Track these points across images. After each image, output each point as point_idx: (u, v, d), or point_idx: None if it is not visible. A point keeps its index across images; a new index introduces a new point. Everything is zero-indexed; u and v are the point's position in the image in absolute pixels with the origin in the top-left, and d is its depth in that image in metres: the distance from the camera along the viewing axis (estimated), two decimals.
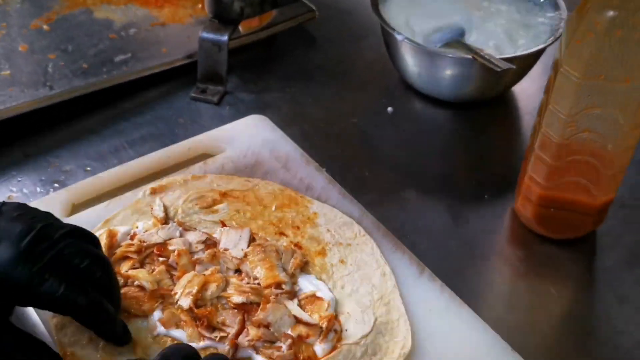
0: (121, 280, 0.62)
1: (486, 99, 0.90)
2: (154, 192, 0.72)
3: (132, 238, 0.66)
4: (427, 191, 0.81)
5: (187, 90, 0.90)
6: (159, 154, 0.78)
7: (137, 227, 0.67)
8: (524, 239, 0.76)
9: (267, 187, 0.72)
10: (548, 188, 0.71)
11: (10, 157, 0.81)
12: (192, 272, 0.63)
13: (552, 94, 0.67)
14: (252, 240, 0.67)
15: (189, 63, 0.91)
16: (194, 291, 0.61)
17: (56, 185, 0.77)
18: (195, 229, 0.68)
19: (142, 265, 0.64)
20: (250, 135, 0.81)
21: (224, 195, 0.71)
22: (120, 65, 0.90)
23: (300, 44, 1.00)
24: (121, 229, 0.66)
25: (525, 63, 0.85)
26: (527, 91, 0.92)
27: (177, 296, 0.61)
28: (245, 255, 0.64)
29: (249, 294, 0.61)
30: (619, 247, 0.75)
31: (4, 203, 0.55)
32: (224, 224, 0.68)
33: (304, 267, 0.65)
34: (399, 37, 0.84)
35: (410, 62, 0.86)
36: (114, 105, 0.88)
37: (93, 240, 0.58)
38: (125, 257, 0.64)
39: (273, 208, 0.70)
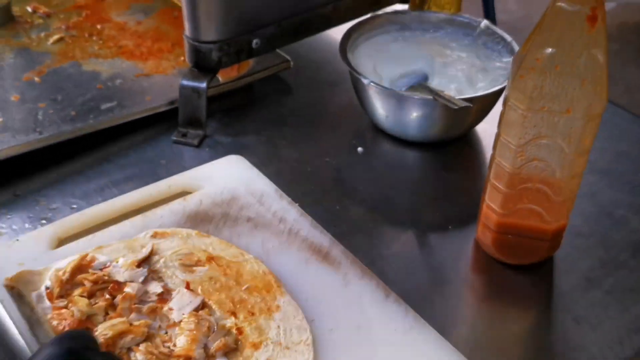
0: (65, 302, 0.65)
1: (451, 138, 0.96)
2: (155, 235, 0.75)
3: (102, 269, 0.70)
4: (394, 223, 0.86)
5: (169, 134, 0.96)
6: (141, 191, 0.83)
7: (117, 262, 0.71)
8: (486, 266, 0.80)
9: (254, 266, 0.73)
10: (504, 215, 0.76)
11: (0, 197, 0.85)
12: (120, 319, 0.65)
13: (502, 126, 0.73)
14: (201, 309, 0.68)
15: (171, 109, 0.97)
16: (108, 335, 0.63)
17: (43, 221, 0.82)
18: (162, 280, 0.71)
19: (90, 295, 0.67)
20: (227, 173, 0.86)
21: (211, 259, 0.73)
22: (107, 112, 0.96)
23: (276, 91, 1.05)
24: (101, 258, 0.71)
25: (484, 103, 0.91)
26: (489, 131, 0.97)
27: (95, 334, 0.63)
28: (180, 321, 0.66)
29: (154, 357, 0.63)
30: (575, 272, 0.80)
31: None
32: (187, 286, 0.70)
33: (231, 353, 0.65)
34: (365, 81, 0.90)
35: (378, 105, 0.92)
36: (99, 148, 0.93)
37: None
38: (82, 283, 0.68)
39: (243, 287, 0.71)
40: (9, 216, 0.83)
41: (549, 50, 0.67)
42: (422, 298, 0.75)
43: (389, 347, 0.67)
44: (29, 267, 0.70)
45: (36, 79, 1.02)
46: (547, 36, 0.67)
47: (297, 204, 0.82)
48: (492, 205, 0.77)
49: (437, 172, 0.94)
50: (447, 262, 0.81)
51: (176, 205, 0.81)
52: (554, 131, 0.70)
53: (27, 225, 0.81)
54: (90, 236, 0.76)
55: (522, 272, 0.79)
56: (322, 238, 0.77)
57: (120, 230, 0.77)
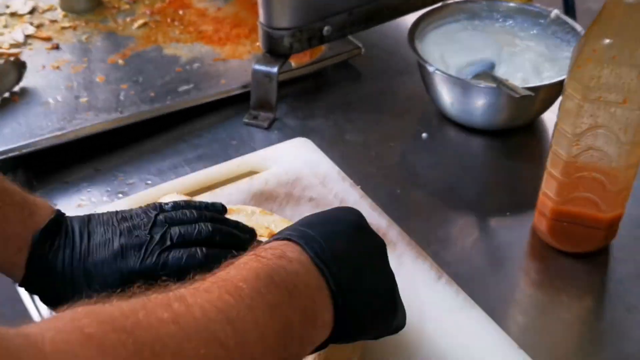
0: None
1: (516, 126, 0.97)
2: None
3: None
4: (453, 208, 0.88)
5: (241, 117, 1.00)
6: (212, 170, 0.87)
7: None
8: (541, 253, 0.82)
9: None
10: (559, 202, 0.77)
11: (83, 171, 0.92)
12: None
13: (560, 114, 0.74)
14: None
15: (244, 92, 1.01)
16: None
17: (120, 195, 0.88)
18: None
19: None
20: (293, 155, 0.89)
21: (272, 236, 0.77)
22: (183, 94, 1.01)
23: (346, 77, 1.08)
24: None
25: (549, 93, 0.92)
26: (554, 120, 0.98)
27: None
28: None
29: None
30: (630, 262, 0.80)
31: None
32: None
33: None
34: (430, 69, 0.92)
35: (443, 92, 0.94)
36: (175, 128, 0.98)
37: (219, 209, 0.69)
38: None
39: None
40: (89, 189, 0.89)
41: (607, 41, 0.68)
42: (476, 281, 0.78)
43: (439, 326, 0.69)
44: None
45: (120, 61, 1.08)
46: (605, 27, 0.68)
47: (358, 187, 0.85)
48: (548, 192, 0.78)
49: (500, 160, 0.95)
50: (503, 247, 0.83)
51: (243, 184, 0.85)
52: (610, 121, 0.71)
53: (104, 199, 0.87)
54: None
55: (577, 260, 0.80)
56: (380, 220, 0.80)
57: None
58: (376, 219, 0.80)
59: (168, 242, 0.63)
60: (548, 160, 0.77)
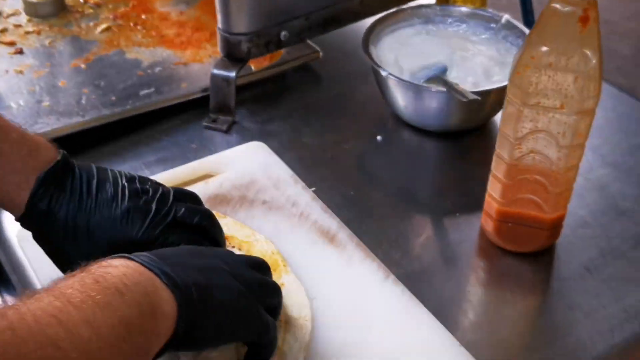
0: None
1: (468, 128, 0.99)
2: None
3: None
4: (406, 209, 0.90)
5: (201, 120, 1.02)
6: (168, 173, 0.89)
7: None
8: (489, 253, 0.84)
9: (264, 246, 0.79)
10: (504, 204, 0.80)
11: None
12: None
13: (502, 119, 0.77)
14: None
15: (204, 96, 1.03)
16: None
17: None
18: None
19: None
20: (248, 159, 0.92)
21: (225, 239, 0.78)
22: (144, 97, 1.03)
23: (306, 80, 1.11)
24: None
25: (499, 96, 0.93)
26: None
27: None
28: None
29: None
30: (574, 261, 0.83)
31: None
32: None
33: None
34: (383, 73, 0.94)
35: (397, 96, 0.97)
36: (136, 132, 1.00)
37: (196, 198, 0.73)
38: None
39: None
40: None
41: (544, 48, 0.70)
42: (425, 280, 0.80)
43: (384, 325, 0.71)
44: None
45: (82, 65, 1.10)
46: (542, 35, 0.70)
47: (310, 189, 0.87)
48: (493, 194, 0.81)
49: (453, 161, 0.98)
50: (453, 247, 0.85)
51: (199, 187, 0.87)
52: (549, 126, 0.73)
53: None
54: None
55: (524, 259, 0.83)
56: (330, 222, 0.83)
57: None
58: (327, 221, 0.83)
59: (171, 218, 0.67)
60: (492, 163, 0.80)
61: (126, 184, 0.68)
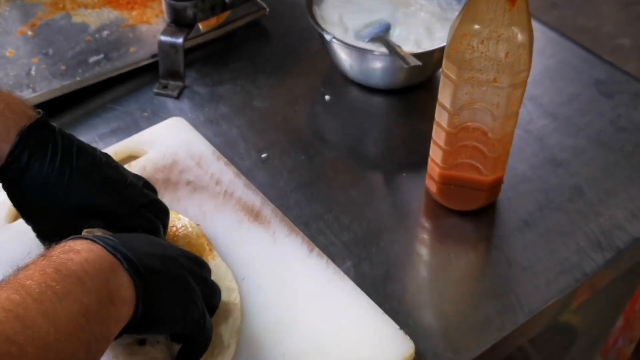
0: None
1: (414, 84, 1.02)
2: None
3: None
4: (355, 171, 0.94)
5: (151, 86, 1.03)
6: None
7: None
8: (434, 212, 0.89)
9: (188, 229, 0.80)
10: (445, 168, 0.84)
11: None
12: None
13: (440, 91, 0.80)
14: None
15: (153, 62, 1.04)
16: None
17: None
18: None
19: None
20: (169, 137, 0.92)
21: None
22: (94, 66, 1.04)
23: (254, 38, 1.12)
24: None
25: (442, 54, 0.96)
26: None
27: None
28: None
29: None
30: (514, 216, 0.88)
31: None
32: None
33: None
34: (327, 37, 0.96)
35: (342, 58, 0.99)
36: (86, 102, 1.01)
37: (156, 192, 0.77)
38: None
39: None
40: None
41: (475, 26, 0.73)
42: (373, 243, 0.84)
43: (310, 299, 0.75)
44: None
45: (29, 32, 1.10)
46: (473, 13, 0.73)
47: (232, 166, 0.89)
48: (435, 159, 0.85)
49: (400, 118, 1.01)
50: (400, 208, 0.89)
51: None
52: (484, 98, 0.76)
53: None
54: None
55: (467, 217, 0.87)
56: (254, 198, 0.85)
57: None
58: (251, 197, 0.85)
59: (145, 200, 0.71)
60: (433, 131, 0.83)
61: (102, 157, 0.70)
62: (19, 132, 0.65)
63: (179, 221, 0.81)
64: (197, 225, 0.81)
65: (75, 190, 0.67)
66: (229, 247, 0.80)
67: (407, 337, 0.72)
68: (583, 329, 1.06)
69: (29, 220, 0.70)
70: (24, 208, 0.69)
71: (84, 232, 0.64)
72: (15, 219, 0.82)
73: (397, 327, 0.72)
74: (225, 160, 0.89)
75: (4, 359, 0.47)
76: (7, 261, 0.76)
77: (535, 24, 1.10)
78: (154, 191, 0.76)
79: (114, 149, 0.90)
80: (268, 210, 0.83)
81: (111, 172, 0.70)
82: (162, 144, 0.91)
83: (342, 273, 0.77)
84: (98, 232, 0.64)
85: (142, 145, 0.91)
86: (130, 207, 0.70)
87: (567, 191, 0.90)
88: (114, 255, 0.59)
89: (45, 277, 0.53)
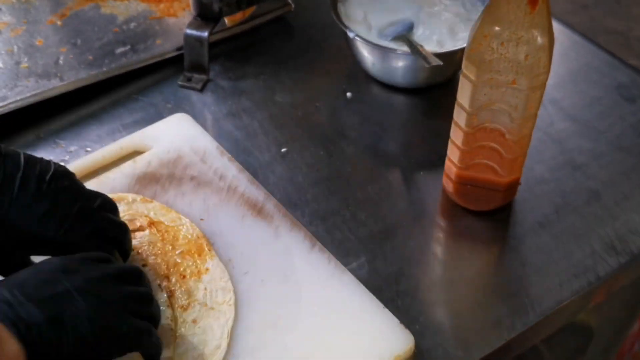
0: None
1: (436, 83, 1.03)
2: None
3: None
4: (374, 168, 0.95)
5: (175, 78, 1.05)
6: (96, 154, 0.90)
7: None
8: (450, 211, 0.89)
9: (189, 230, 0.81)
10: (462, 168, 0.85)
11: (25, 139, 0.97)
12: None
13: (458, 91, 0.80)
14: None
15: (179, 54, 1.06)
16: None
17: (62, 163, 0.93)
18: None
19: None
20: (173, 132, 0.93)
21: (152, 224, 0.81)
22: (120, 57, 1.05)
23: (279, 34, 1.13)
24: None
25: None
26: None
27: None
28: None
29: None
30: (530, 218, 0.88)
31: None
32: None
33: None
34: (350, 35, 0.97)
35: (364, 55, 0.99)
36: (112, 92, 1.03)
37: (116, 208, 0.74)
38: None
39: (177, 251, 0.79)
40: None
41: (496, 28, 0.73)
42: (388, 240, 0.85)
43: (312, 294, 0.76)
44: None
45: (59, 22, 1.12)
46: (494, 15, 0.73)
47: (236, 161, 0.90)
48: (452, 158, 0.85)
49: (421, 117, 1.01)
50: (416, 206, 0.90)
51: (127, 167, 0.88)
52: (502, 99, 0.77)
53: None
54: None
55: (483, 217, 0.88)
56: (257, 193, 0.86)
57: None
58: (254, 192, 0.86)
59: (89, 228, 0.69)
60: (451, 130, 0.84)
61: (53, 182, 0.67)
62: None
63: (179, 221, 0.82)
64: (201, 219, 0.83)
65: (15, 222, 0.65)
66: (232, 241, 0.81)
67: (407, 331, 0.73)
68: (599, 330, 1.06)
69: None
70: None
71: None
72: None
73: (398, 321, 0.73)
74: (229, 155, 0.90)
75: None
76: None
77: (560, 27, 1.11)
78: (114, 208, 0.74)
79: (120, 144, 0.91)
80: (271, 205, 0.84)
81: (54, 203, 0.67)
82: (166, 140, 0.92)
83: (343, 268, 0.79)
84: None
85: (147, 140, 0.92)
86: (78, 236, 0.68)
87: (584, 194, 0.90)
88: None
89: None
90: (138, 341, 0.64)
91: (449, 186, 0.88)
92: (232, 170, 0.88)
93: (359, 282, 0.77)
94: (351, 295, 0.76)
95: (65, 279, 0.61)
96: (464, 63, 0.77)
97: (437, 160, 0.93)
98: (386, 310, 0.74)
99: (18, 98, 0.98)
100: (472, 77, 0.76)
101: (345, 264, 0.81)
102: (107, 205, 0.73)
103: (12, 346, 0.55)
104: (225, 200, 0.85)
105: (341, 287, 0.77)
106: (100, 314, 0.61)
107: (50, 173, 0.68)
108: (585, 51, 1.10)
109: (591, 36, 1.13)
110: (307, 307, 0.75)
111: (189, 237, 0.80)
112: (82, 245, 0.69)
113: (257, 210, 0.84)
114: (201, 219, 0.83)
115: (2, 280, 0.60)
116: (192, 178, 0.88)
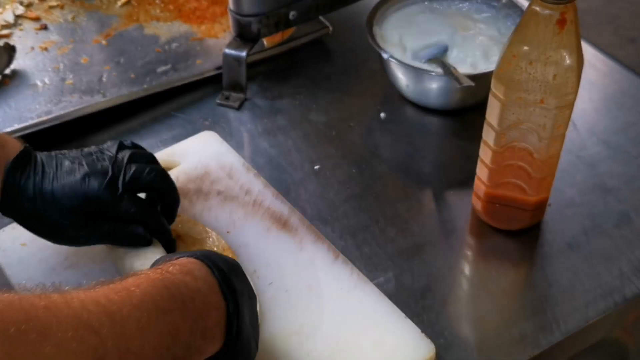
0: None
1: (469, 106, 1.04)
2: None
3: None
4: (404, 187, 0.96)
5: (214, 97, 1.08)
6: None
7: None
8: (479, 230, 0.90)
9: (215, 243, 0.83)
10: (491, 187, 0.85)
11: None
12: None
13: (487, 110, 0.81)
14: None
15: (217, 74, 1.09)
16: None
17: None
18: None
19: None
20: (201, 149, 0.96)
21: (179, 237, 0.84)
22: (161, 75, 1.09)
23: (316, 56, 1.16)
24: None
25: None
26: None
27: None
28: None
29: None
30: (558, 239, 0.88)
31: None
32: None
33: None
34: (384, 56, 0.99)
35: (399, 76, 1.01)
36: (152, 109, 1.06)
37: (152, 159, 0.81)
38: None
39: None
40: None
41: (525, 47, 0.75)
42: (416, 257, 0.86)
43: (335, 304, 0.78)
44: (30, 247, 0.83)
45: (103, 42, 1.16)
46: (523, 35, 0.75)
47: (261, 177, 0.92)
48: (481, 177, 0.86)
49: (453, 138, 1.03)
50: (445, 224, 0.91)
51: None
52: (530, 118, 0.78)
53: None
54: None
55: (511, 236, 0.89)
56: (282, 207, 0.88)
57: None
58: (279, 206, 0.88)
59: (127, 177, 0.75)
60: (480, 149, 0.85)
61: (83, 157, 0.76)
62: (5, 167, 0.73)
63: (206, 234, 0.84)
64: (227, 232, 0.85)
65: (60, 192, 0.73)
66: (258, 253, 0.83)
67: (429, 340, 0.74)
68: (635, 349, 1.05)
69: (38, 233, 0.76)
70: (29, 224, 0.76)
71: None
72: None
73: (419, 330, 0.75)
74: (255, 171, 0.92)
75: (82, 347, 0.49)
76: (49, 266, 0.83)
77: (594, 52, 1.12)
78: (150, 159, 0.81)
79: None
80: (295, 218, 0.87)
81: (90, 168, 0.75)
82: (194, 156, 0.95)
83: (366, 279, 0.80)
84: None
85: (176, 156, 0.95)
86: (112, 194, 0.74)
87: (614, 217, 0.90)
88: (225, 298, 0.62)
89: (153, 289, 0.57)
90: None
91: (478, 205, 0.89)
92: (257, 186, 0.90)
93: (381, 293, 0.79)
94: (373, 305, 0.78)
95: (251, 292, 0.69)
96: (493, 82, 0.79)
97: (467, 180, 0.94)
98: (407, 320, 0.75)
99: (62, 112, 1.02)
100: (501, 96, 0.78)
101: (373, 278, 0.83)
102: (139, 157, 0.79)
103: (223, 325, 0.62)
104: (251, 214, 0.87)
105: (364, 298, 0.78)
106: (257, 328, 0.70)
107: (81, 153, 0.79)
108: (620, 77, 1.11)
109: (638, 69, 1.13)
110: (330, 316, 0.76)
111: (215, 249, 0.82)
112: (121, 203, 0.75)
113: (282, 223, 0.86)
114: (227, 232, 0.85)
115: None
116: (219, 193, 0.90)
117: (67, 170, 0.75)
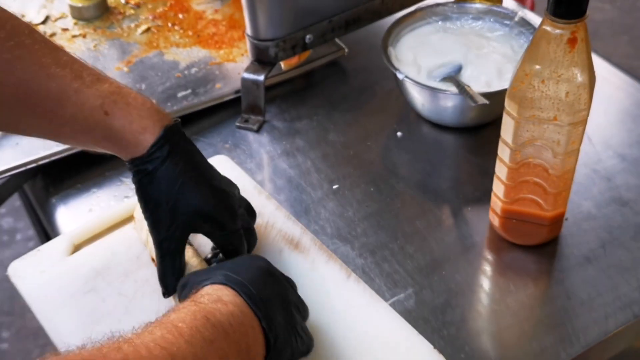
0: None
1: (485, 123, 1.05)
2: None
3: None
4: (422, 204, 0.98)
5: (233, 120, 1.10)
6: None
7: None
8: (497, 245, 0.91)
9: None
10: (507, 203, 0.87)
11: (92, 177, 1.03)
12: None
13: (502, 127, 0.83)
14: None
15: (236, 97, 1.11)
16: None
17: (126, 199, 0.99)
18: None
19: None
20: None
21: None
22: (182, 100, 1.11)
23: (333, 77, 1.18)
24: None
25: None
26: None
27: None
28: None
29: None
30: (576, 252, 0.90)
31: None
32: None
33: None
34: (400, 76, 1.01)
35: (414, 95, 1.03)
36: None
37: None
38: None
39: None
40: (98, 194, 1.00)
41: (537, 66, 0.76)
42: (435, 273, 0.88)
43: (348, 322, 0.79)
44: (50, 274, 0.86)
45: (125, 69, 1.19)
46: (535, 54, 0.76)
47: (273, 199, 0.94)
48: (497, 193, 0.88)
49: (469, 155, 1.04)
50: (463, 240, 0.93)
51: None
52: (544, 135, 0.80)
53: (112, 204, 0.98)
54: (100, 240, 0.89)
55: (529, 251, 0.90)
56: (294, 229, 0.89)
57: (125, 234, 0.90)
58: (291, 228, 0.89)
59: (245, 221, 0.80)
60: (495, 166, 0.87)
61: (214, 170, 0.79)
62: (164, 127, 0.74)
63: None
64: None
65: (189, 192, 0.74)
66: None
67: (441, 356, 0.75)
68: None
69: (147, 211, 0.76)
70: (148, 199, 0.75)
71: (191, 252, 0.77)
72: (74, 251, 0.89)
73: (431, 346, 0.76)
74: (267, 194, 0.94)
75: None
76: (68, 292, 0.84)
77: (609, 66, 1.14)
78: (253, 214, 0.84)
79: None
80: (307, 239, 0.88)
81: (226, 186, 0.79)
82: None
83: (378, 297, 0.82)
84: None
85: None
86: (231, 214, 0.77)
87: (632, 229, 0.92)
88: (255, 313, 0.65)
89: (196, 322, 0.60)
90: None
91: (495, 221, 0.90)
92: (269, 208, 0.92)
93: (393, 310, 0.80)
94: (385, 322, 0.79)
95: (283, 285, 0.72)
96: (507, 101, 0.80)
97: (485, 197, 0.95)
98: (420, 336, 0.77)
99: None
100: (515, 114, 0.79)
101: (393, 295, 0.84)
102: (251, 209, 0.85)
103: (261, 339, 0.65)
104: (264, 236, 0.89)
105: (376, 315, 0.80)
106: (297, 323, 0.71)
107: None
108: (634, 90, 1.12)
109: None
110: (343, 332, 0.78)
111: None
112: (236, 222, 0.79)
113: (294, 244, 0.88)
114: None
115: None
116: None
117: (204, 173, 0.78)
